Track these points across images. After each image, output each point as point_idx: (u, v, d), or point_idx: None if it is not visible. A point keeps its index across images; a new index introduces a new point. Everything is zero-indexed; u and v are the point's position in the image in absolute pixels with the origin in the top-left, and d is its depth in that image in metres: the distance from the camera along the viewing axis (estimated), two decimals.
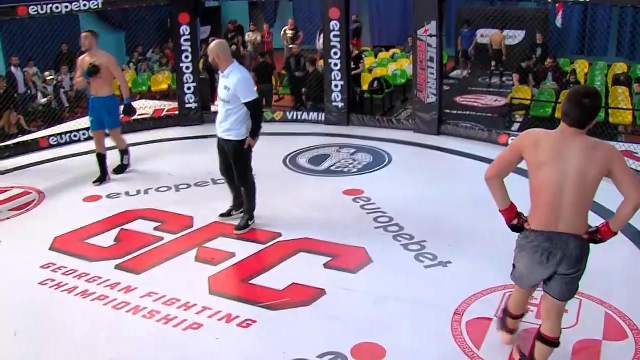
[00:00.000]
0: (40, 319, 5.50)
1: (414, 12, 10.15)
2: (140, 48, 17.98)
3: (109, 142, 8.67)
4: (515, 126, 11.84)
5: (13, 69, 14.38)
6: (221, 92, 6.60)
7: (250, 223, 6.87)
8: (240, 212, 7.01)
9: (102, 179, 8.51)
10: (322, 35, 16.75)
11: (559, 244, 3.95)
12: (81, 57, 8.36)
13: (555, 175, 3.91)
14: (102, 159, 8.55)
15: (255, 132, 6.60)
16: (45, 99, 14.10)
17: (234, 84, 6.45)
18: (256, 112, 6.60)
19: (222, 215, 7.13)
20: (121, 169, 8.82)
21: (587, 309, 5.18)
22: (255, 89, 6.76)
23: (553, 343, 4.16)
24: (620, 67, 15.42)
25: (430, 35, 9.80)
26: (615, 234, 4.00)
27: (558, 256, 3.95)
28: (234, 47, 16.23)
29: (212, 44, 6.65)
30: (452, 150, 9.39)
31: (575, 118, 3.80)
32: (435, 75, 9.93)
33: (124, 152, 8.86)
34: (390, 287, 5.70)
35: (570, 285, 4.05)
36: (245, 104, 6.48)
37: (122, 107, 8.55)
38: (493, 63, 16.59)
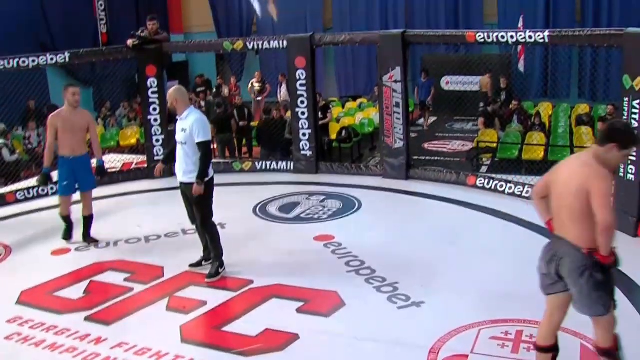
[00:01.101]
0: None
1: (378, 58, 10.30)
2: (108, 103, 17.99)
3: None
4: (483, 169, 11.96)
5: None
6: (179, 135, 6.69)
7: (220, 270, 6.82)
8: (210, 262, 6.97)
9: (70, 234, 8.19)
10: (283, 86, 17.04)
11: (557, 245, 4.34)
12: (56, 116, 7.82)
13: (557, 181, 4.31)
14: (68, 218, 8.18)
15: (201, 175, 6.59)
16: (15, 155, 13.96)
17: (191, 124, 6.56)
18: (206, 154, 6.64)
19: (192, 265, 7.08)
20: (89, 236, 8.20)
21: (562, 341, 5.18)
22: (210, 133, 6.83)
23: (605, 352, 4.37)
24: (583, 108, 15.74)
25: (395, 81, 9.94)
26: (613, 262, 4.18)
27: (556, 257, 4.29)
28: (202, 102, 16.32)
29: (171, 90, 6.82)
30: (420, 193, 9.46)
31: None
32: (401, 120, 10.04)
33: (91, 218, 8.20)
34: (364, 329, 5.67)
35: (581, 301, 4.27)
36: (198, 144, 6.55)
37: (95, 168, 8.21)
38: (481, 104, 16.27)
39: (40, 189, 10.36)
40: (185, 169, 6.67)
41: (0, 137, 14.16)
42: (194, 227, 7.11)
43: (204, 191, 6.59)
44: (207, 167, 6.64)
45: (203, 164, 6.60)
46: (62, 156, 7.85)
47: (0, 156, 13.55)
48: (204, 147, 6.59)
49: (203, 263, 7.04)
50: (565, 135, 13.47)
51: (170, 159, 7.08)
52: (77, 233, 8.19)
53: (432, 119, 17.66)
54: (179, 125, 6.69)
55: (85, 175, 7.98)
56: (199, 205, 6.69)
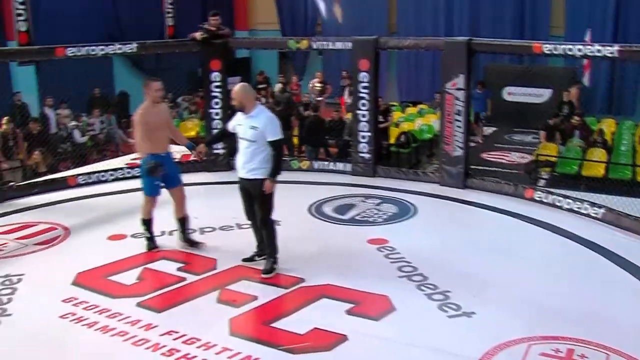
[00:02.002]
0: (59, 351, 5.52)
1: (442, 65, 10.21)
2: (169, 95, 18.23)
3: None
4: (541, 182, 11.78)
5: (46, 109, 14.65)
6: (246, 132, 6.68)
7: (275, 267, 6.84)
8: (263, 258, 7.00)
9: (155, 244, 7.69)
10: (346, 88, 17.07)
11: None
12: (144, 111, 7.36)
13: None
14: (151, 223, 7.71)
15: (274, 173, 6.64)
16: (85, 137, 14.34)
17: (264, 122, 6.59)
18: (279, 152, 6.69)
19: (245, 260, 7.11)
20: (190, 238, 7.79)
21: None
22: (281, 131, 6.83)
23: None
24: None
25: (458, 89, 9.84)
26: None
27: None
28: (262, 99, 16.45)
29: (238, 87, 6.78)
30: (477, 203, 9.33)
31: None
32: (462, 128, 9.94)
33: (185, 220, 7.78)
34: (413, 335, 5.64)
35: None
36: (271, 142, 6.59)
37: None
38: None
39: (100, 174, 10.58)
40: (250, 166, 6.67)
41: (73, 120, 14.57)
42: (249, 222, 7.14)
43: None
44: (280, 165, 6.70)
45: (276, 162, 6.65)
46: (154, 154, 7.30)
47: (71, 137, 13.95)
48: (277, 145, 6.65)
49: (256, 258, 7.08)
50: (627, 153, 13.19)
51: (213, 143, 7.13)
52: (132, 222, 8.31)
53: (492, 130, 17.46)
54: (247, 122, 6.68)
55: (175, 171, 7.68)
56: (263, 203, 6.72)
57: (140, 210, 7.66)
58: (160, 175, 7.29)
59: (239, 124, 6.82)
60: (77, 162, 12.09)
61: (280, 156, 6.77)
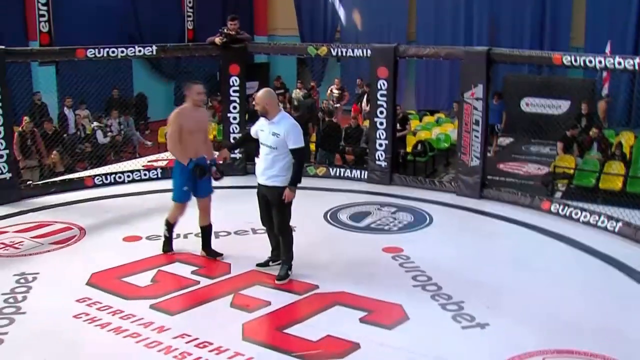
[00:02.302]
0: (72, 350, 5.53)
1: (461, 75, 10.20)
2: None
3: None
4: (558, 194, 11.70)
5: (65, 109, 14.75)
6: (267, 139, 6.65)
7: (289, 273, 6.83)
8: (278, 263, 6.98)
9: (171, 246, 7.63)
10: (365, 96, 17.09)
11: None
12: (180, 114, 7.14)
13: None
14: (173, 227, 7.61)
15: (295, 181, 6.62)
16: (107, 138, 14.43)
17: (286, 129, 6.56)
18: (300, 160, 6.67)
19: (259, 265, 7.11)
20: (210, 247, 7.59)
21: None
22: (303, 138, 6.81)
23: None
24: None
25: (477, 99, 9.81)
26: None
27: None
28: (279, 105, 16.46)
29: (261, 92, 6.75)
30: (493, 214, 9.30)
31: None
32: (479, 138, 9.91)
33: (209, 228, 7.58)
34: (426, 345, 5.60)
35: None
36: (293, 150, 6.57)
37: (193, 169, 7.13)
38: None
39: (117, 175, 10.63)
40: (271, 173, 6.65)
41: (95, 121, 14.68)
42: (265, 228, 7.14)
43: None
44: (301, 174, 6.68)
45: (298, 170, 6.64)
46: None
47: (94, 138, 14.06)
48: (299, 153, 6.63)
49: (270, 264, 7.07)
50: None
51: (236, 148, 7.09)
52: (146, 224, 8.33)
53: (509, 140, 17.38)
54: (269, 129, 6.65)
55: (206, 179, 7.30)
56: (281, 210, 6.70)
57: (168, 212, 7.55)
58: (201, 178, 7.14)
59: (261, 129, 6.80)
60: (96, 163, 12.14)
61: (302, 164, 6.75)
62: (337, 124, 14.09)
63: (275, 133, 6.59)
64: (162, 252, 7.56)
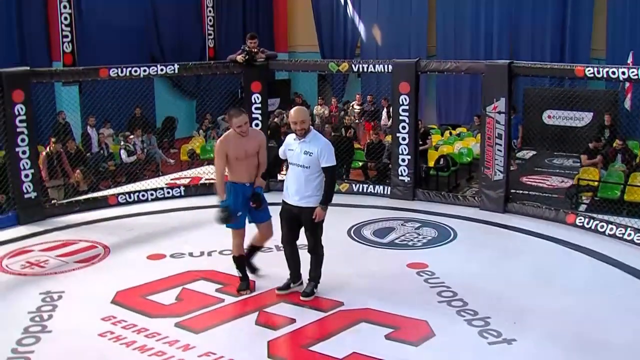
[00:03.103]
0: None
1: (483, 89, 10.16)
2: (209, 115, 18.43)
3: None
4: (582, 207, 11.61)
5: (89, 129, 14.88)
6: (299, 158, 6.50)
7: (315, 291, 6.78)
8: (298, 284, 6.91)
9: (247, 285, 7.07)
10: (384, 111, 17.09)
11: None
12: (225, 141, 6.87)
13: None
14: (243, 261, 7.15)
15: (327, 200, 6.52)
16: (133, 157, 14.54)
17: (320, 148, 6.45)
18: (333, 179, 6.59)
19: (280, 289, 6.88)
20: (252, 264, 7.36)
21: None
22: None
23: None
24: None
25: (499, 112, 9.77)
26: None
27: None
28: None
29: (300, 111, 6.58)
30: (518, 228, 9.22)
31: None
32: (502, 152, 9.85)
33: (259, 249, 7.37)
34: None
35: None
36: (325, 168, 6.47)
37: (253, 195, 6.87)
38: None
39: (140, 194, 10.68)
40: (303, 193, 6.53)
41: (122, 139, 14.81)
42: (285, 248, 6.92)
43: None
44: (333, 193, 6.58)
45: (330, 189, 6.56)
46: (235, 182, 6.89)
47: (119, 157, 14.19)
48: (331, 171, 6.52)
49: (292, 286, 6.90)
50: None
51: (270, 175, 6.95)
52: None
53: (531, 153, 17.29)
54: (301, 147, 6.50)
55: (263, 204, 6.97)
56: (314, 229, 6.62)
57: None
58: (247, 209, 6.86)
59: (289, 148, 6.62)
60: (121, 182, 12.25)
61: (334, 183, 6.66)
62: (347, 137, 14.06)
63: (308, 152, 6.47)
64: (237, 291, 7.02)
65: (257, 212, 6.93)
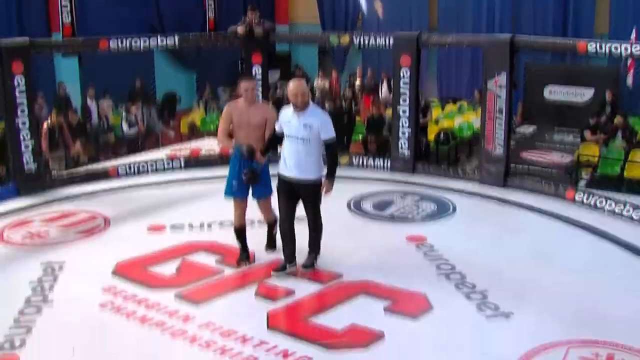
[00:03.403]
0: (99, 339, 5.61)
1: (484, 62, 10.11)
2: (208, 87, 18.34)
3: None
4: (582, 183, 11.61)
5: (89, 101, 14.84)
6: (299, 131, 6.39)
7: (315, 263, 6.78)
8: (293, 265, 6.79)
9: (247, 256, 7.12)
10: (384, 84, 17.03)
11: None
12: (232, 107, 6.92)
13: None
14: (243, 233, 7.14)
15: (332, 172, 6.50)
16: (134, 129, 14.53)
17: (319, 120, 6.40)
18: (335, 151, 6.56)
19: (276, 271, 6.75)
20: (273, 242, 7.36)
21: None
22: None
23: None
24: None
25: (500, 87, 9.74)
26: None
27: None
28: None
29: (299, 84, 6.45)
30: (517, 202, 9.21)
31: None
32: (503, 126, 9.83)
33: (274, 224, 7.23)
34: (451, 335, 5.61)
35: None
36: (327, 140, 6.44)
37: (248, 170, 6.69)
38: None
39: (140, 165, 10.68)
40: (304, 167, 6.44)
41: (123, 111, 14.78)
42: (283, 225, 6.78)
43: (318, 189, 6.55)
44: (337, 164, 6.56)
45: (334, 162, 6.54)
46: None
47: (120, 129, 14.19)
48: (332, 144, 6.50)
49: (287, 267, 6.76)
50: None
51: (268, 150, 6.75)
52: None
53: (532, 128, 17.25)
54: (301, 120, 6.37)
55: (261, 181, 6.86)
56: (314, 203, 6.60)
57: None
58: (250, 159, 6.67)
59: (287, 121, 6.50)
60: (122, 154, 12.26)
61: (336, 154, 6.66)
62: (343, 109, 13.99)
63: (308, 125, 6.37)
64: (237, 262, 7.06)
65: (256, 186, 6.82)
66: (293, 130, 6.46)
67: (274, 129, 6.74)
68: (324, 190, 6.53)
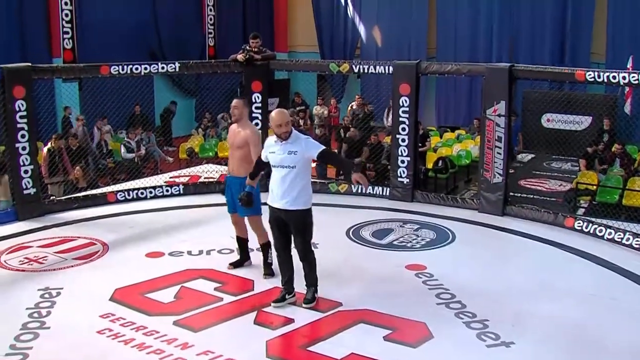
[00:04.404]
0: None
1: (483, 91, 10.15)
2: (208, 114, 18.43)
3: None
4: (580, 211, 11.62)
5: (83, 126, 14.93)
6: (284, 159, 6.38)
7: (315, 296, 6.69)
8: (292, 297, 6.74)
9: (241, 262, 7.64)
10: (390, 113, 17.07)
11: None
12: (230, 128, 7.58)
13: None
14: (242, 242, 7.63)
15: (352, 165, 6.49)
16: (132, 154, 14.57)
17: (303, 144, 6.40)
18: (333, 153, 6.57)
19: (276, 302, 6.69)
20: (269, 268, 7.38)
21: None
22: None
23: None
24: None
25: (499, 115, 9.77)
26: None
27: None
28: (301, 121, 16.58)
29: (282, 113, 6.47)
30: (516, 231, 9.22)
31: None
32: (502, 155, 9.85)
33: (266, 247, 7.41)
34: None
35: None
36: (321, 152, 6.38)
37: (242, 194, 7.01)
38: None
39: (139, 191, 10.68)
40: (290, 194, 6.40)
41: (124, 135, 14.82)
42: (279, 256, 6.78)
43: (308, 219, 6.53)
44: (345, 160, 6.56)
45: (341, 159, 6.57)
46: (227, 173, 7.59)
47: (108, 156, 14.20)
48: (327, 152, 6.62)
49: (287, 297, 6.71)
50: None
51: (256, 175, 6.90)
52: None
53: (530, 156, 17.30)
54: (284, 149, 6.39)
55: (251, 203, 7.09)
56: (304, 234, 6.53)
57: None
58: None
59: (271, 151, 6.50)
60: (120, 179, 12.28)
61: (336, 155, 6.71)
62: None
63: (292, 151, 6.37)
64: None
65: (234, 203, 7.28)
66: (278, 159, 6.45)
67: (259, 155, 6.85)
68: (360, 181, 6.40)
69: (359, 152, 13.60)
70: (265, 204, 6.78)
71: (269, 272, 7.34)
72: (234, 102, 7.41)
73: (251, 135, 7.23)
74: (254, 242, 7.63)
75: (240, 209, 7.20)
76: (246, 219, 7.35)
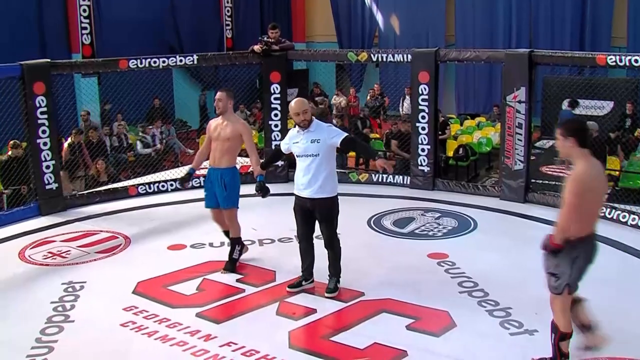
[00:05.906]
0: (120, 358, 5.59)
1: (503, 78, 10.08)
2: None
3: None
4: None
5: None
6: (307, 148, 6.42)
7: (338, 286, 6.70)
8: (310, 282, 6.81)
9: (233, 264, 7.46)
10: (404, 101, 17.00)
11: None
12: (212, 121, 7.46)
13: None
14: (228, 234, 7.57)
15: (374, 151, 6.67)
16: (149, 149, 14.62)
17: (325, 132, 6.42)
18: (356, 140, 6.66)
19: (291, 287, 6.76)
20: (231, 265, 7.38)
21: None
22: None
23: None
24: None
25: (520, 102, 9.70)
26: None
27: None
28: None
29: (302, 102, 6.50)
30: (538, 218, 9.13)
31: None
32: (523, 141, 9.78)
33: (235, 242, 7.44)
34: (475, 353, 5.54)
35: None
36: (344, 139, 6.39)
37: (255, 185, 7.07)
38: None
39: (160, 184, 10.72)
40: (315, 183, 6.41)
41: (140, 131, 14.87)
42: (301, 244, 6.85)
43: (334, 207, 6.55)
44: (369, 146, 6.62)
45: (365, 145, 6.82)
46: (211, 167, 7.41)
47: (129, 150, 14.25)
48: (351, 139, 6.58)
49: (303, 283, 6.78)
50: None
51: (270, 165, 7.09)
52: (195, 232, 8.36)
53: (551, 143, 17.14)
54: (307, 137, 6.42)
55: (221, 191, 7.23)
56: (330, 222, 6.54)
57: None
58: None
59: (294, 141, 6.54)
60: (139, 173, 12.32)
61: (360, 142, 6.80)
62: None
63: (315, 139, 6.39)
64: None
65: (221, 197, 7.25)
66: (302, 149, 6.48)
67: (278, 147, 6.98)
68: (385, 167, 6.36)
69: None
70: (263, 196, 7.07)
71: (229, 268, 7.33)
72: (218, 94, 7.28)
73: (243, 127, 7.31)
74: (246, 233, 7.75)
75: (222, 200, 7.25)
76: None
